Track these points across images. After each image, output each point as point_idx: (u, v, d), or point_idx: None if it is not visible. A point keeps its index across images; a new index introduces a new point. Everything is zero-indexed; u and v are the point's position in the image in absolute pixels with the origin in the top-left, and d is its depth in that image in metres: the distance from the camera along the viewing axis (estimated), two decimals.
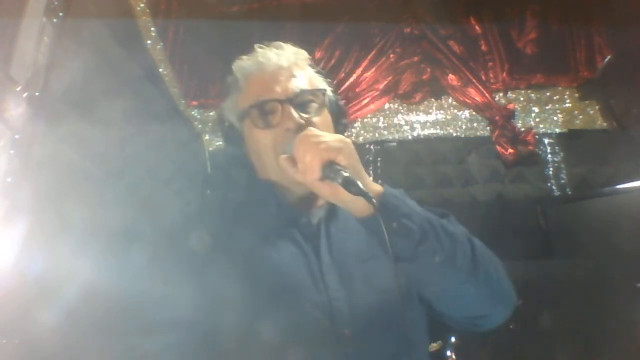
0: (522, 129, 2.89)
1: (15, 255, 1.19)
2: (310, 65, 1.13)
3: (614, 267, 2.12)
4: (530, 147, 2.86)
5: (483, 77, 2.93)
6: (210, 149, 2.94)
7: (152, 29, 2.48)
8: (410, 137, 2.97)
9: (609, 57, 2.80)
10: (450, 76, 2.92)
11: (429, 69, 2.97)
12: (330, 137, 0.91)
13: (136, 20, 2.38)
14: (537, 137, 2.90)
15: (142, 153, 2.08)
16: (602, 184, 2.74)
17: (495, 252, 1.03)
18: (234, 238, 1.05)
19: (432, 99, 2.99)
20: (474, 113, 2.94)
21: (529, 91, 2.95)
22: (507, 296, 1.03)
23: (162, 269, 1.02)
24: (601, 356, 2.05)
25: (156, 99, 2.39)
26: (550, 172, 2.87)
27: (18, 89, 1.27)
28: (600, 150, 2.83)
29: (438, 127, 2.97)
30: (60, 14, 1.42)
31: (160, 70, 2.56)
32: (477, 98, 2.89)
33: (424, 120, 2.98)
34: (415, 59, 2.97)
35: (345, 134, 1.14)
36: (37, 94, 1.32)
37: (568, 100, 2.91)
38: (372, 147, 2.96)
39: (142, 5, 2.37)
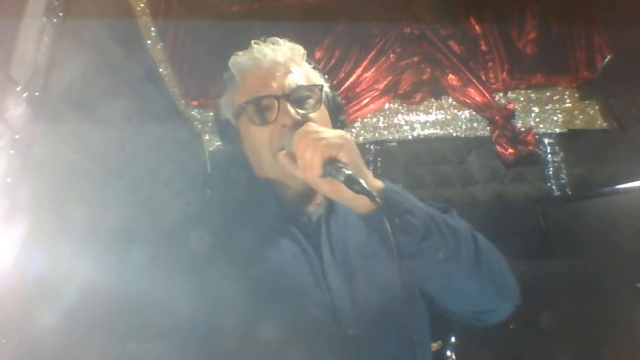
0: (522, 129, 2.89)
1: (15, 255, 1.19)
2: (307, 61, 1.12)
3: (614, 267, 2.12)
4: (530, 147, 2.86)
5: (483, 77, 2.93)
6: (210, 149, 2.94)
7: (152, 29, 2.49)
8: (410, 137, 2.97)
9: (609, 57, 2.80)
10: (450, 76, 2.92)
11: (429, 69, 2.97)
12: (331, 133, 0.90)
13: (136, 20, 2.38)
14: (537, 137, 2.90)
15: (142, 153, 2.08)
16: (602, 184, 2.74)
17: None
18: (234, 238, 1.04)
19: (432, 99, 2.99)
20: (474, 113, 2.94)
21: (529, 91, 2.95)
22: (511, 291, 1.02)
23: (162, 269, 1.01)
24: (601, 356, 2.05)
25: (156, 99, 2.39)
26: (550, 172, 2.87)
27: (18, 89, 1.27)
28: (600, 150, 2.83)
29: (438, 127, 2.97)
30: (60, 14, 1.42)
31: (160, 70, 2.57)
32: (477, 98, 2.89)
33: (424, 120, 2.98)
34: (415, 59, 2.97)
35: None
36: (37, 94, 1.32)
37: (568, 100, 2.91)
38: (372, 147, 2.96)
39: (142, 5, 2.38)
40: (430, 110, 2.98)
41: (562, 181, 2.85)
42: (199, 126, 2.93)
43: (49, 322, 1.23)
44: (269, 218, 1.06)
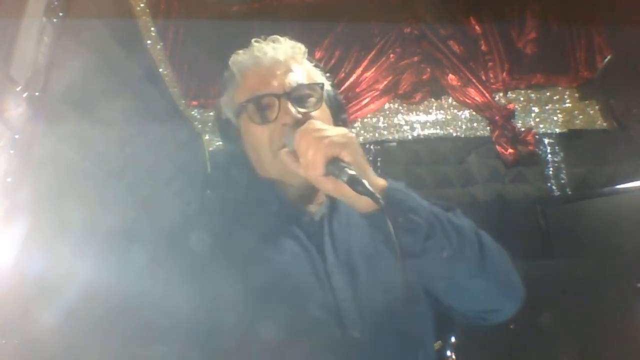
0: (522, 129, 2.90)
1: (15, 255, 1.19)
2: (308, 59, 1.11)
3: (614, 267, 2.12)
4: (530, 147, 2.86)
5: (483, 77, 2.93)
6: (210, 149, 2.94)
7: (152, 29, 2.49)
8: (410, 137, 2.97)
9: (609, 57, 2.80)
10: (450, 76, 2.92)
11: (429, 69, 2.97)
12: (334, 132, 0.88)
13: (136, 20, 2.38)
14: (537, 137, 2.90)
15: (142, 153, 2.08)
16: (602, 184, 2.74)
17: None
18: (234, 238, 1.03)
19: (432, 99, 2.99)
20: (474, 113, 2.94)
21: (529, 91, 2.95)
22: (516, 290, 1.01)
23: (162, 269, 1.01)
24: (601, 356, 2.05)
25: (156, 99, 2.39)
26: (550, 172, 2.87)
27: (18, 89, 1.27)
28: (600, 150, 2.83)
29: (438, 127, 2.97)
30: (60, 14, 1.42)
31: (160, 70, 2.57)
32: (477, 98, 2.89)
33: (424, 120, 2.98)
34: (415, 59, 2.97)
35: None
36: (37, 94, 1.32)
37: (568, 100, 2.91)
38: (372, 147, 2.96)
39: (142, 5, 2.38)
40: (430, 110, 2.98)
41: (562, 181, 2.85)
42: (199, 126, 2.93)
43: (49, 322, 1.23)
44: (270, 217, 1.06)
